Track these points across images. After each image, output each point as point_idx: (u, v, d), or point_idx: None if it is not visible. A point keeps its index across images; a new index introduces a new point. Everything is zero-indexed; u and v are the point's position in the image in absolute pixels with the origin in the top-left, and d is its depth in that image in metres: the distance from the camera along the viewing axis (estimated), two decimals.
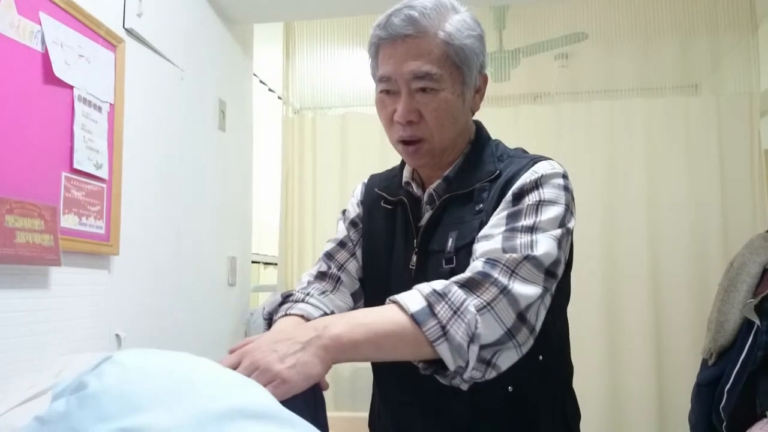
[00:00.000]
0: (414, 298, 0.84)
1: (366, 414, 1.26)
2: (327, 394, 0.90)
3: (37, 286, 1.28)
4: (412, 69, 0.98)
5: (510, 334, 0.84)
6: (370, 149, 2.63)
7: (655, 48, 2.58)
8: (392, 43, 0.99)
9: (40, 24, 1.28)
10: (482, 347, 0.82)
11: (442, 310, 0.82)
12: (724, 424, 1.64)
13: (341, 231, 1.20)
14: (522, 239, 0.90)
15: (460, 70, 1.01)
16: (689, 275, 2.38)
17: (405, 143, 1.03)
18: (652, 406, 2.35)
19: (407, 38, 0.98)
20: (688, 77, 2.67)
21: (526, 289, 0.86)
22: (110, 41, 1.52)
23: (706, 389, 1.75)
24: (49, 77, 1.30)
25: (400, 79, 0.99)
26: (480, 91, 1.08)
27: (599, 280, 2.43)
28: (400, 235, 1.09)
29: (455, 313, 0.82)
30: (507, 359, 0.85)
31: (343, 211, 1.24)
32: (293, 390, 0.74)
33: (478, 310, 0.83)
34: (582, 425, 1.13)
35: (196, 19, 2.06)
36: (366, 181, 1.25)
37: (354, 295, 1.14)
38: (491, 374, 0.84)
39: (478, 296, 0.84)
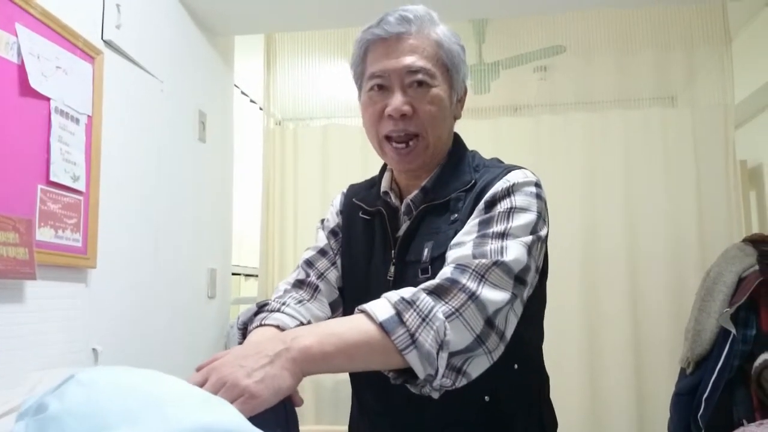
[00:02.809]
0: (382, 306, 0.83)
1: (347, 427, 1.25)
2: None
3: (11, 300, 1.26)
4: (407, 63, 1.01)
5: (479, 340, 0.84)
6: (351, 161, 2.63)
7: (632, 61, 2.63)
8: (386, 40, 1.03)
9: (16, 35, 1.27)
10: (452, 354, 0.81)
11: (411, 317, 0.81)
12: None
13: (321, 239, 1.20)
14: (492, 245, 0.90)
15: (450, 72, 1.06)
16: (667, 285, 2.40)
17: (397, 143, 1.04)
18: (630, 415, 2.36)
19: (402, 35, 1.02)
20: (665, 89, 2.71)
21: (495, 295, 0.86)
22: (88, 53, 1.51)
23: (685, 398, 1.77)
24: (26, 89, 1.29)
25: (394, 74, 1.02)
26: (461, 101, 1.13)
27: (577, 289, 2.45)
28: (379, 245, 1.09)
29: (424, 320, 0.81)
30: (478, 366, 0.85)
31: (322, 221, 1.24)
32: (262, 405, 0.73)
33: (446, 317, 0.82)
34: None
35: (176, 30, 2.05)
36: (345, 191, 1.25)
37: (332, 305, 1.13)
38: (462, 382, 0.83)
39: (447, 303, 0.84)
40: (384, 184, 1.13)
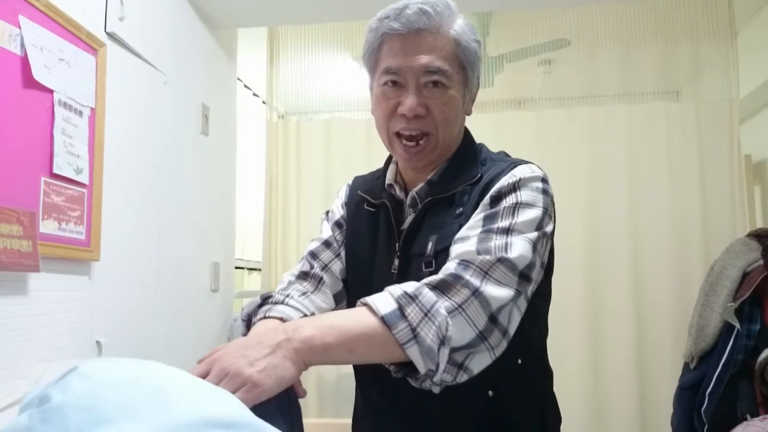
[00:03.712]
0: (385, 300, 0.83)
1: (350, 420, 1.25)
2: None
3: (15, 293, 1.26)
4: (424, 63, 0.99)
5: (482, 336, 0.83)
6: (354, 155, 2.63)
7: (637, 55, 2.61)
8: (404, 35, 1.00)
9: (20, 27, 1.26)
10: (453, 350, 0.81)
11: (413, 312, 0.81)
12: (706, 427, 1.65)
13: (326, 231, 1.19)
14: (497, 241, 0.90)
15: (465, 71, 1.04)
16: (671, 279, 2.40)
17: (407, 141, 1.03)
18: (634, 409, 2.36)
19: (421, 32, 0.99)
20: (669, 84, 2.70)
21: (499, 292, 0.85)
22: (91, 45, 1.50)
23: (688, 393, 1.76)
24: (29, 81, 1.28)
25: (410, 72, 1.00)
26: (473, 98, 1.11)
27: (581, 284, 2.44)
28: (383, 238, 1.09)
29: (426, 315, 0.81)
30: (479, 362, 0.84)
31: (327, 212, 1.23)
32: (265, 394, 0.73)
33: (449, 312, 0.82)
34: (563, 429, 1.13)
35: (180, 23, 2.05)
36: (350, 182, 1.24)
37: (337, 296, 1.13)
38: (463, 377, 0.83)
39: (449, 298, 0.83)
40: (389, 177, 1.13)
